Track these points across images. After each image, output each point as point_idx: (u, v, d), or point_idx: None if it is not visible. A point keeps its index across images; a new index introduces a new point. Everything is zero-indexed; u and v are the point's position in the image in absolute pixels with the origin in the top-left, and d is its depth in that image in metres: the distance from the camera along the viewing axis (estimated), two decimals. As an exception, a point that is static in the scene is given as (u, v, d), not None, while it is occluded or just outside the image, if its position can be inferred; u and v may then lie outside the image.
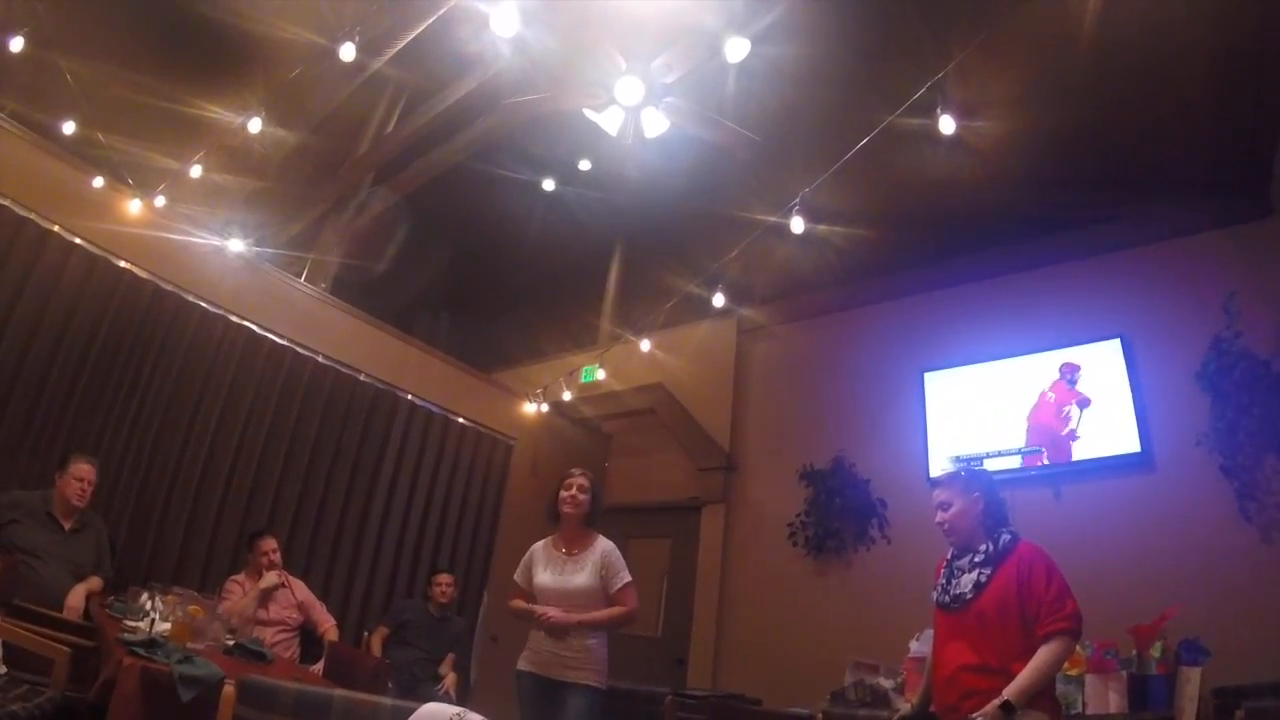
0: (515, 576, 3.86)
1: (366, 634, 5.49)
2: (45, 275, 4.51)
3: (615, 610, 3.62)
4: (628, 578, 3.66)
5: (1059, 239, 5.57)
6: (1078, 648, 3.45)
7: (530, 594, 3.75)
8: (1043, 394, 5.41)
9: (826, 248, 5.99)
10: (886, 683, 4.65)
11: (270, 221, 6.65)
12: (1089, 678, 3.72)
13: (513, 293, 8.35)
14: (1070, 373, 5.31)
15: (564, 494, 3.75)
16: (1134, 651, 3.75)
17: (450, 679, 5.26)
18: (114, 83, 5.67)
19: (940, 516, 2.99)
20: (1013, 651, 2.66)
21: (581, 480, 3.78)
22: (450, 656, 5.42)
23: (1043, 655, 2.58)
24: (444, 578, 5.51)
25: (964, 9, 4.23)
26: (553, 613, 3.55)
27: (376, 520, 5.97)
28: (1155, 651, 3.65)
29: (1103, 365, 5.16)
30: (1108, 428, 5.06)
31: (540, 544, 3.85)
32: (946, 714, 2.83)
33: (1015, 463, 5.36)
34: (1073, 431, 5.21)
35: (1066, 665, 3.48)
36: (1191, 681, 3.47)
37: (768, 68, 4.67)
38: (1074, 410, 5.25)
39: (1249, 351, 4.62)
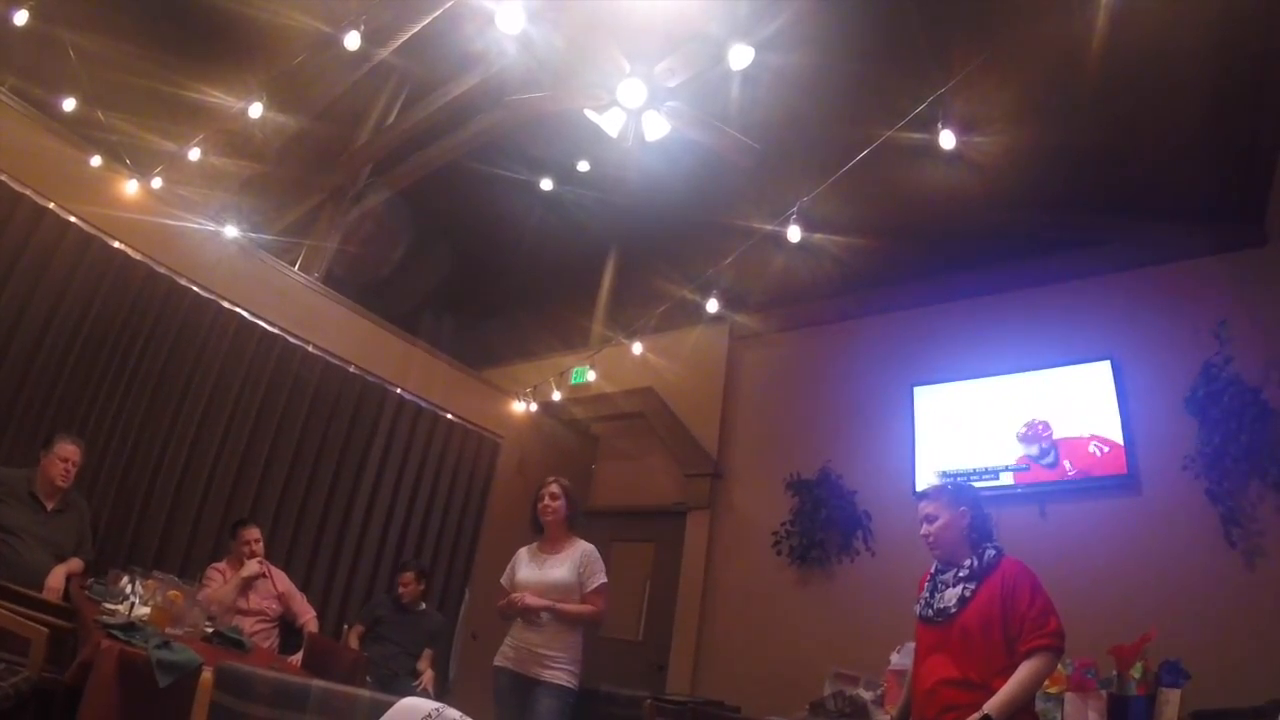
0: (502, 580, 4.00)
1: (346, 627, 5.46)
2: (39, 253, 4.48)
3: (585, 607, 3.75)
4: (603, 580, 3.82)
5: (1053, 259, 5.59)
6: (1058, 666, 3.45)
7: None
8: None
9: (822, 258, 6.00)
10: (866, 694, 4.64)
11: (266, 208, 6.64)
12: (1069, 696, 3.73)
13: (506, 291, 8.33)
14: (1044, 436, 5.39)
15: (539, 505, 3.95)
16: (1114, 671, 3.75)
17: (427, 676, 5.23)
18: (116, 62, 5.64)
19: (925, 529, 2.99)
20: (994, 667, 2.66)
21: (553, 489, 3.97)
22: (428, 652, 5.38)
23: (1024, 671, 2.58)
24: (406, 576, 5.43)
25: (968, 25, 4.24)
26: (528, 597, 3.70)
27: (360, 513, 5.95)
28: (1136, 672, 3.65)
29: (1092, 386, 5.18)
30: (1095, 449, 5.07)
31: (525, 549, 4.03)
32: (926, 727, 2.83)
33: (1002, 480, 5.36)
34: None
35: (1047, 683, 3.47)
36: (1171, 704, 3.48)
37: (771, 76, 4.68)
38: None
39: (1238, 378, 4.64)
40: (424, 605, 5.49)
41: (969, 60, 4.00)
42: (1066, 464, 5.17)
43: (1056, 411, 5.29)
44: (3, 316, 4.32)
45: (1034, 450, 5.33)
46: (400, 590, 5.39)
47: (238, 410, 5.30)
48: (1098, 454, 5.05)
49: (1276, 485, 4.37)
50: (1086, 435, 5.14)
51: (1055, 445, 5.26)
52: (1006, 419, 5.51)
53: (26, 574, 3.66)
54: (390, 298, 7.26)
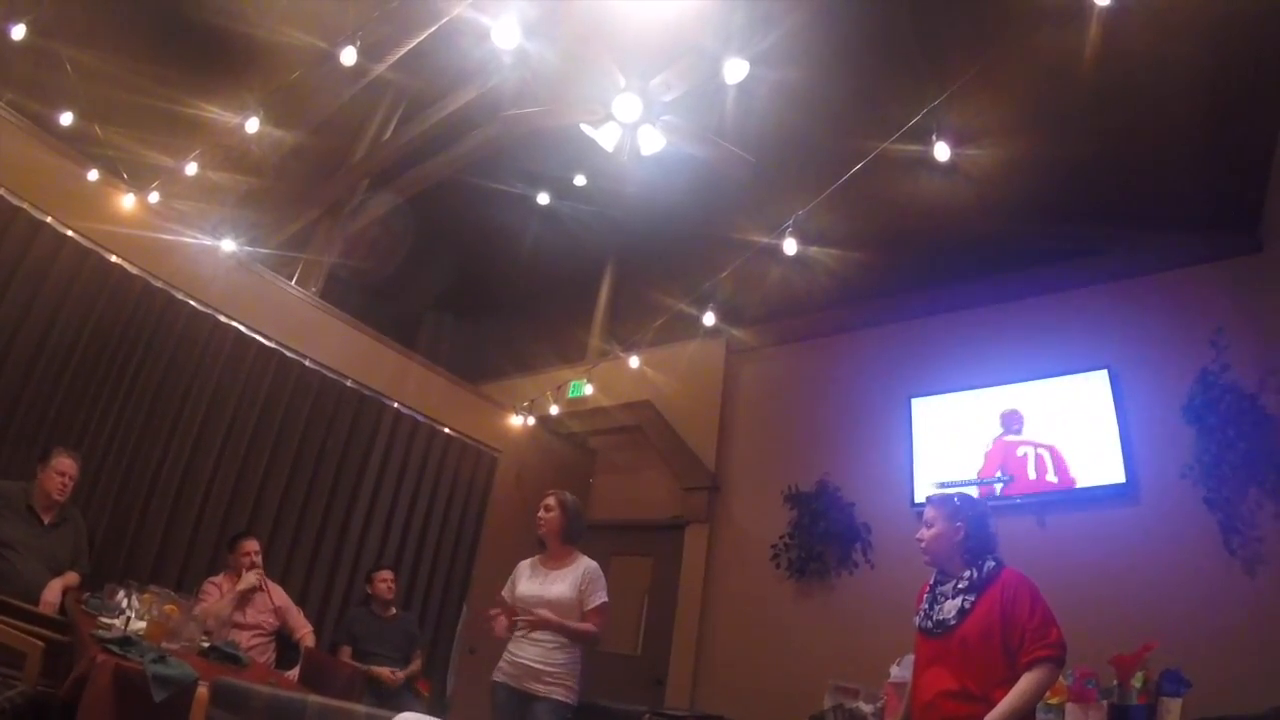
0: (503, 593, 3.95)
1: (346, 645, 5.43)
2: (35, 267, 4.48)
3: (583, 625, 3.70)
4: (604, 599, 3.77)
5: (1050, 269, 5.61)
6: (1059, 676, 3.44)
7: (514, 608, 3.81)
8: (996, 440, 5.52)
9: (818, 271, 6.02)
10: (866, 707, 4.62)
11: (263, 223, 6.65)
12: (1069, 707, 3.71)
13: (503, 305, 8.36)
14: (1015, 423, 5.40)
15: (535, 517, 3.91)
16: (1115, 681, 3.74)
17: (402, 673, 5.16)
18: (113, 77, 5.66)
19: (921, 533, 3.00)
20: (994, 679, 2.64)
21: (548, 501, 3.92)
22: (418, 653, 5.40)
23: (1026, 682, 2.56)
24: (385, 573, 5.45)
25: (962, 38, 4.27)
26: (535, 611, 3.64)
27: (357, 527, 5.92)
28: (1137, 682, 3.64)
29: (1090, 396, 5.18)
30: (1093, 458, 5.07)
31: (526, 561, 3.98)
32: (926, 739, 2.81)
33: (998, 490, 5.36)
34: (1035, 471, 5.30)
35: (1047, 694, 3.47)
36: (1172, 713, 3.47)
37: (766, 89, 4.71)
38: (1029, 451, 5.34)
39: (1235, 385, 4.65)
40: (394, 609, 5.48)
41: (963, 72, 4.02)
42: (1065, 473, 5.17)
43: (1054, 421, 5.30)
44: (0, 331, 4.31)
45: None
46: (381, 587, 5.38)
47: (235, 424, 5.29)
48: (1096, 463, 5.05)
49: (1275, 492, 4.37)
50: (1084, 445, 5.14)
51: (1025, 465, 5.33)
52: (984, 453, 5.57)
53: (23, 587, 3.65)
54: (387, 311, 7.28)
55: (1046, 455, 5.30)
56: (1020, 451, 5.41)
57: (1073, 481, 5.12)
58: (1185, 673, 3.58)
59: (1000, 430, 5.51)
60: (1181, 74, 4.16)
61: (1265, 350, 4.65)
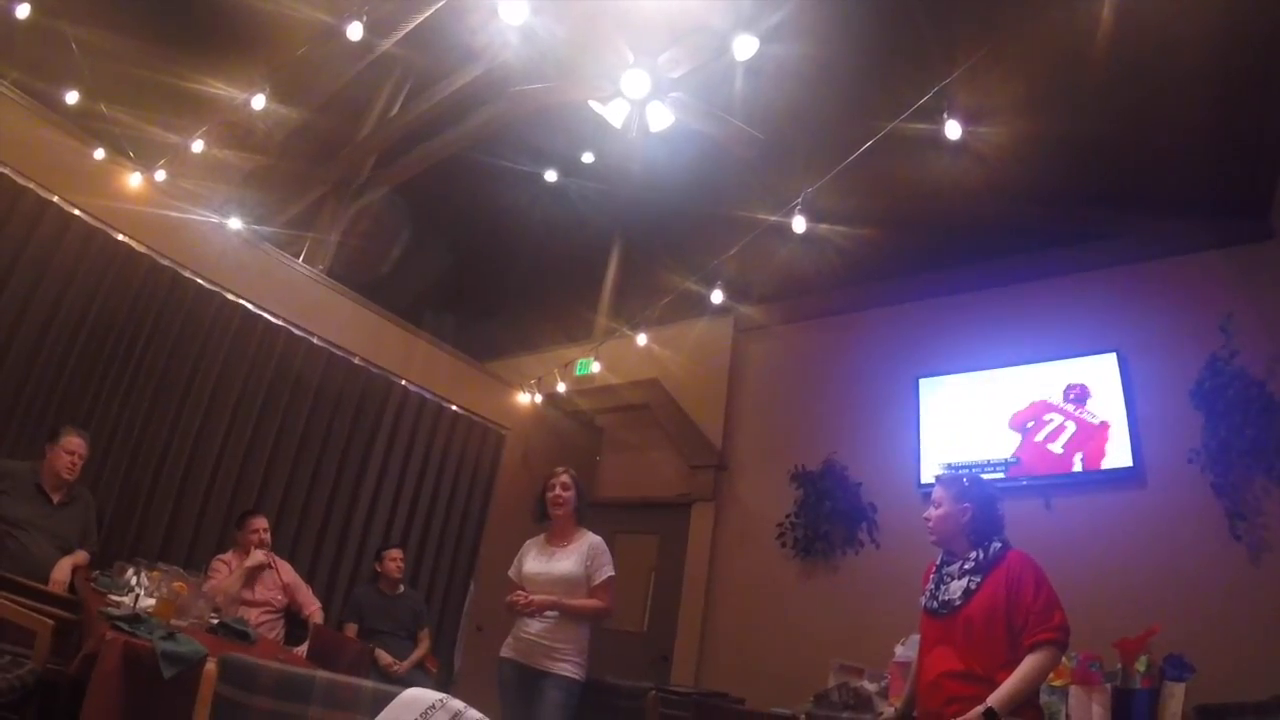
0: (509, 573, 3.97)
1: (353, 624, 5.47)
2: (42, 246, 4.49)
3: (589, 602, 3.72)
4: (610, 573, 3.78)
5: (1059, 252, 5.57)
6: (1063, 659, 3.44)
7: (522, 587, 3.83)
8: (1040, 409, 5.43)
9: (827, 249, 5.97)
10: (871, 686, 4.64)
11: (270, 201, 6.63)
12: (1073, 689, 3.72)
13: (510, 283, 8.32)
14: (1079, 393, 5.32)
15: (549, 495, 3.89)
16: (1119, 665, 3.74)
17: (409, 660, 5.18)
18: (118, 55, 5.63)
19: (928, 513, 3.01)
20: (998, 660, 2.66)
21: (564, 478, 3.91)
22: (426, 630, 5.42)
23: (1029, 664, 2.57)
24: (395, 552, 5.50)
25: (973, 16, 4.22)
26: (535, 597, 3.66)
27: (365, 505, 5.95)
28: (1140, 666, 3.65)
29: (1098, 380, 5.16)
30: (1100, 442, 5.06)
31: (532, 541, 4.00)
32: (929, 719, 2.83)
33: (1004, 472, 5.35)
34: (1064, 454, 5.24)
35: (1051, 676, 3.48)
36: (1175, 697, 3.48)
37: (774, 67, 4.65)
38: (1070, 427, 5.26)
39: (1244, 372, 4.63)
40: (402, 587, 5.53)
41: (974, 51, 3.98)
42: (1072, 459, 5.16)
43: (1062, 404, 5.28)
44: (7, 310, 4.32)
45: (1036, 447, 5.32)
46: (392, 567, 5.42)
47: (242, 402, 5.30)
48: (1103, 447, 5.04)
49: (1281, 479, 4.36)
50: (1092, 427, 5.12)
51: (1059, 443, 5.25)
52: (1012, 411, 5.50)
53: (32, 566, 3.68)
54: (394, 290, 7.25)
55: (1072, 427, 5.25)
56: (1048, 416, 5.36)
57: (1079, 464, 5.11)
58: (1189, 658, 3.59)
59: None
60: (1194, 57, 4.11)
61: (1274, 337, 4.62)
